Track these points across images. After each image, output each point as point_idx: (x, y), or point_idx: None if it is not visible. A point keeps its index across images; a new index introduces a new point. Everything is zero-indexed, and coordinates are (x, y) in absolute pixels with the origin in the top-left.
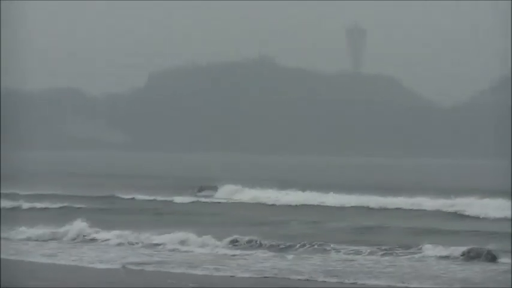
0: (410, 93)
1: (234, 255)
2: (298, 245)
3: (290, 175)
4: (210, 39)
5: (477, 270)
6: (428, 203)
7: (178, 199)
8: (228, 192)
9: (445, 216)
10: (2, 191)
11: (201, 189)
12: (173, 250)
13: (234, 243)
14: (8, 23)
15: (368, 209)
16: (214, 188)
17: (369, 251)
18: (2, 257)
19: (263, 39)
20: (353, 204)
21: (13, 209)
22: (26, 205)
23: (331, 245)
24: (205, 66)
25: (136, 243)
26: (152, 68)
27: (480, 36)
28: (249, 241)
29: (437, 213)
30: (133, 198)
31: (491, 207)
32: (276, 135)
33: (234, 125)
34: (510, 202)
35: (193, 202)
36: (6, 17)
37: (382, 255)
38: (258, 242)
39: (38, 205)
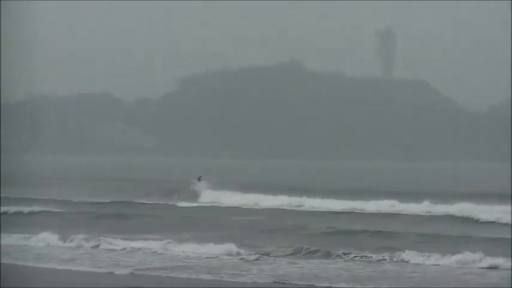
0: (443, 97)
1: (250, 261)
2: (316, 251)
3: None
4: (240, 43)
5: (503, 276)
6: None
7: (191, 204)
8: (241, 197)
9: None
10: (20, 196)
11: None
12: (186, 255)
13: (250, 248)
14: (39, 25)
15: (384, 214)
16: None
17: (389, 256)
18: (12, 262)
19: (293, 43)
20: (370, 210)
21: (27, 213)
22: (38, 209)
23: (349, 251)
24: (236, 70)
25: (148, 248)
26: (182, 72)
27: None
28: (266, 247)
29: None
30: (149, 203)
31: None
32: (308, 140)
33: (267, 130)
34: None
35: (203, 207)
36: (37, 18)
37: (404, 261)
38: (276, 248)
39: (55, 210)
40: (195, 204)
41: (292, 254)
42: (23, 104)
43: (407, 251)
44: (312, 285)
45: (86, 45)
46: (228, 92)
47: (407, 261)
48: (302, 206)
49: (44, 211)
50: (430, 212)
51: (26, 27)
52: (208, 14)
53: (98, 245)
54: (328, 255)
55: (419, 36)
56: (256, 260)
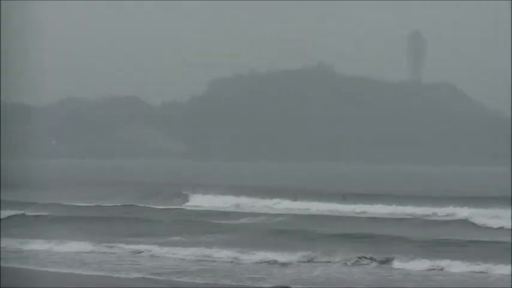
0: (472, 101)
1: (264, 265)
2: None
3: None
4: (268, 46)
5: None
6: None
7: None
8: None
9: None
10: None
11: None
12: (199, 259)
13: (263, 252)
14: (66, 28)
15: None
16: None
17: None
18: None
19: (322, 47)
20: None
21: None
22: (47, 213)
23: (371, 256)
24: (264, 74)
25: (163, 253)
26: (209, 76)
27: None
28: (281, 251)
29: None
30: (167, 209)
31: None
32: (334, 142)
33: (294, 133)
34: None
35: (213, 210)
36: (65, 20)
37: (431, 267)
38: (292, 252)
39: (66, 214)
40: (204, 208)
41: (307, 258)
42: (51, 108)
43: (420, 258)
44: None
45: (113, 48)
46: (255, 95)
47: (419, 267)
48: (319, 209)
49: (56, 215)
50: (453, 216)
51: (53, 30)
52: (236, 17)
53: (99, 250)
54: (345, 259)
55: (448, 39)
56: (271, 264)
